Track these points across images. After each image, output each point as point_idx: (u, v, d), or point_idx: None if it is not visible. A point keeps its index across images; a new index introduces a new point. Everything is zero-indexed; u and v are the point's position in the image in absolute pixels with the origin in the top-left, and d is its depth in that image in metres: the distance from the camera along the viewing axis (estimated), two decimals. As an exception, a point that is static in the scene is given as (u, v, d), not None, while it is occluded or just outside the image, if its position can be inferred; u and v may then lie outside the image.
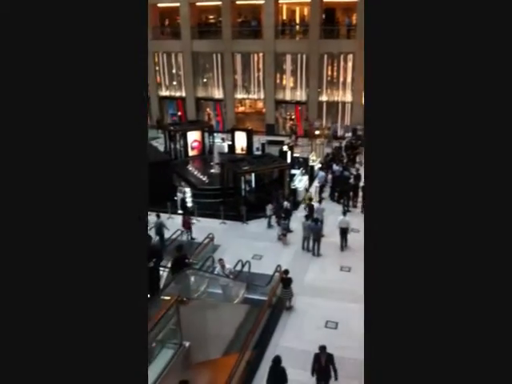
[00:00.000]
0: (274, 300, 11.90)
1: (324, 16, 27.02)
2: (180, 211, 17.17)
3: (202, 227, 16.33)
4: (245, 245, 14.87)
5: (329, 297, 11.78)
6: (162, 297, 9.97)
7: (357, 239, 15.48)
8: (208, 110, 30.75)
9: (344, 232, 14.75)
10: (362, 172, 19.66)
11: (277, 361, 8.40)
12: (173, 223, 16.44)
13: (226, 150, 24.26)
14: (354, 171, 19.33)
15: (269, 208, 16.52)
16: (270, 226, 16.43)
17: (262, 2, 27.06)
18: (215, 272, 12.59)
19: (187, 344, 9.58)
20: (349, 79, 26.81)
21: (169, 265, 13.65)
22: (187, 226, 15.85)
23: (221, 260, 12.44)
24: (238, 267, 13.04)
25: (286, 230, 15.60)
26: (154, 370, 8.34)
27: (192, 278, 12.61)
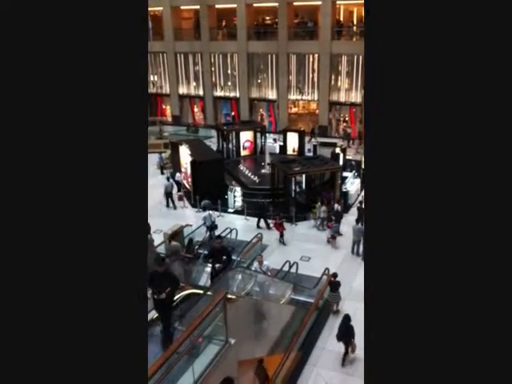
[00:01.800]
0: (320, 303, 11.77)
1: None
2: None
3: (251, 226, 16.42)
4: (293, 246, 14.80)
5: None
6: (210, 293, 10.10)
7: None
8: (261, 110, 30.90)
9: None
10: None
11: (347, 318, 9.70)
12: (223, 221, 16.64)
13: (277, 150, 24.28)
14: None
15: (322, 210, 16.32)
16: (323, 229, 16.21)
17: (319, 2, 26.87)
18: (252, 268, 12.52)
19: (233, 341, 9.63)
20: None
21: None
22: (279, 228, 15.78)
23: (259, 256, 12.44)
24: (286, 268, 13.00)
25: (336, 233, 15.40)
26: (199, 365, 8.44)
27: (239, 276, 12.71)
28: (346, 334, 9.69)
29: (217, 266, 11.56)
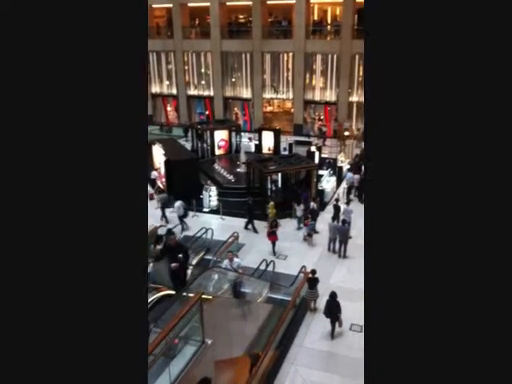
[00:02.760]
0: (297, 301, 11.71)
1: (357, 16, 26.66)
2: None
3: (227, 226, 16.27)
4: (270, 244, 14.70)
5: (354, 299, 11.49)
6: (186, 293, 9.93)
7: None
8: (236, 109, 30.75)
9: None
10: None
11: (334, 294, 10.38)
12: (198, 221, 16.45)
13: (252, 149, 24.19)
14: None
15: (299, 209, 16.25)
16: (299, 227, 16.14)
17: (293, 1, 26.89)
18: (222, 266, 12.24)
19: (209, 341, 9.49)
20: (380, 80, 26.33)
21: (194, 262, 13.68)
22: (272, 237, 14.59)
23: (229, 253, 12.23)
24: (262, 266, 12.90)
25: (313, 231, 15.38)
26: (176, 366, 8.29)
27: (216, 276, 12.55)
28: (333, 310, 10.35)
29: (172, 265, 11.14)
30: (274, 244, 14.49)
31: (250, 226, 16.19)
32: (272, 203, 16.23)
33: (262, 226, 16.30)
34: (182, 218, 16.16)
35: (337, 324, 10.54)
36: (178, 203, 16.08)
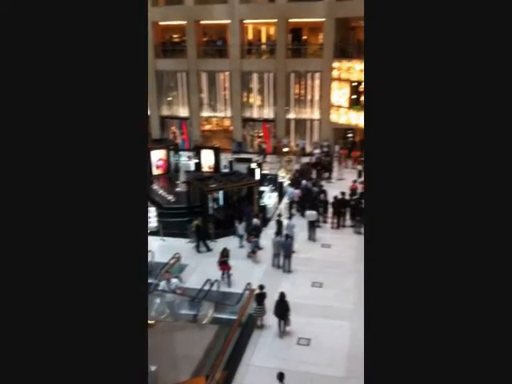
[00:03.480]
0: (244, 318, 11.43)
1: (291, 35, 27.30)
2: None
3: (168, 247, 15.77)
4: (213, 263, 14.34)
5: (300, 313, 11.39)
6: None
7: (328, 254, 15.29)
8: (173, 128, 30.34)
9: (312, 224, 16.22)
10: (328, 187, 19.71)
11: (283, 295, 10.94)
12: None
13: (192, 168, 23.86)
14: (320, 187, 19.34)
15: (240, 227, 16.05)
16: (241, 246, 15.92)
17: (228, 21, 27.14)
18: (160, 288, 11.83)
19: (153, 368, 9.01)
20: (316, 97, 26.98)
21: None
22: (224, 267, 13.63)
23: (166, 273, 11.84)
24: (207, 287, 12.53)
25: (256, 248, 15.22)
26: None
27: (157, 300, 12.05)
28: (282, 309, 10.82)
29: None
30: (223, 273, 13.56)
31: (201, 248, 15.79)
32: (196, 222, 15.91)
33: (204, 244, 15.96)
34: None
35: (286, 323, 10.90)
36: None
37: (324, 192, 18.57)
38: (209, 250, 15.75)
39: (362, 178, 21.24)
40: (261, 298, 11.24)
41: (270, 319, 11.34)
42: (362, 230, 16.92)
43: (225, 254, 13.66)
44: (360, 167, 22.81)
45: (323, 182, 21.08)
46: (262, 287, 11.37)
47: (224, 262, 13.52)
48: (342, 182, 21.70)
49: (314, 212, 16.50)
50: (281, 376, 8.59)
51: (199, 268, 14.42)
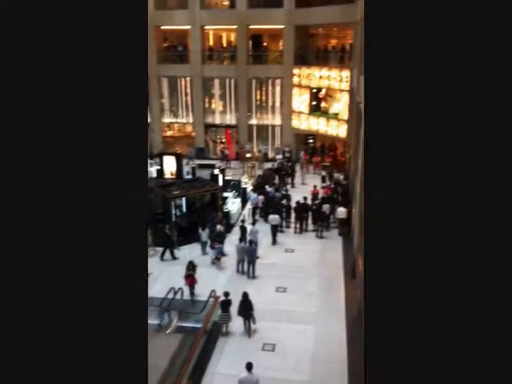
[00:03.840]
0: (209, 326, 11.42)
1: (251, 42, 27.51)
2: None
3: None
4: (177, 271, 14.27)
5: (265, 319, 11.49)
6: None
7: (291, 259, 15.47)
8: (135, 135, 29.92)
9: (275, 227, 16.60)
10: (291, 193, 19.95)
11: (246, 294, 11.28)
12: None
13: (154, 174, 23.60)
14: (284, 192, 19.56)
15: (204, 234, 16.01)
16: (205, 253, 15.89)
17: (188, 27, 27.09)
18: None
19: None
20: (277, 103, 27.28)
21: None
22: (190, 280, 13.18)
23: None
24: (170, 295, 12.44)
25: (220, 254, 15.23)
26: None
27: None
28: (246, 308, 11.10)
29: None
30: (192, 287, 13.11)
31: (165, 257, 15.65)
32: (166, 230, 15.84)
33: (167, 252, 15.84)
34: None
35: (251, 321, 11.21)
36: None
37: (287, 197, 18.79)
38: (174, 258, 15.65)
39: (326, 183, 21.66)
40: (226, 304, 11.26)
41: (235, 325, 11.39)
42: (324, 234, 17.25)
43: (190, 267, 13.32)
44: (324, 172, 23.23)
45: (287, 187, 21.34)
46: (227, 294, 11.40)
47: (190, 276, 13.19)
48: (305, 186, 22.01)
49: (276, 216, 16.76)
50: (249, 366, 8.76)
51: (162, 276, 14.30)
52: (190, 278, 13.16)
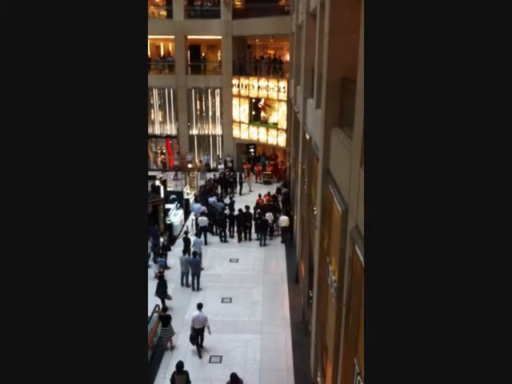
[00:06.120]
0: (154, 341, 11.27)
1: (189, 52, 27.49)
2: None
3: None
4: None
5: (212, 330, 11.49)
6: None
7: (236, 269, 15.56)
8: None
9: (204, 228, 17.53)
10: (238, 201, 20.07)
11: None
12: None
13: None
14: (228, 201, 19.65)
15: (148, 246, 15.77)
16: (148, 266, 15.64)
17: (125, 37, 26.65)
18: None
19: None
20: (218, 113, 27.39)
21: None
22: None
23: None
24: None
25: (163, 267, 15.05)
26: None
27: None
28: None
29: None
30: None
31: None
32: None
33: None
34: None
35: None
36: None
37: (231, 206, 18.88)
38: None
39: (272, 191, 21.84)
40: (166, 319, 11.18)
41: (180, 338, 11.30)
42: (267, 241, 17.48)
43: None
44: (275, 180, 23.39)
45: (234, 195, 21.43)
46: (165, 309, 11.38)
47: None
48: (249, 195, 22.20)
49: (204, 218, 17.53)
50: (199, 306, 9.73)
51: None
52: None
